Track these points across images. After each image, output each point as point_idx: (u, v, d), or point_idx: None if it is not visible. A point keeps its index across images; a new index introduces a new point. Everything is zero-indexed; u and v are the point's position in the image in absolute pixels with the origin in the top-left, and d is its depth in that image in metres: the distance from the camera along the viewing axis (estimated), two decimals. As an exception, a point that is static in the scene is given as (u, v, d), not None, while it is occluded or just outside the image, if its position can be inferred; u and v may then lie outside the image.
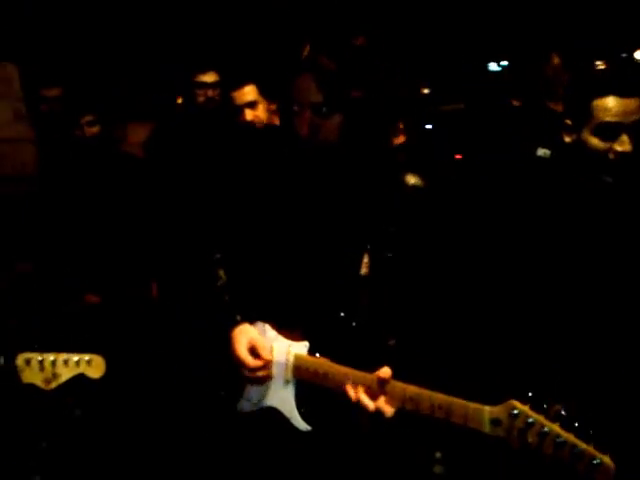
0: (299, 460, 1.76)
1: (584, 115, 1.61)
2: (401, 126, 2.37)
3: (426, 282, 1.65)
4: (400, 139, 2.45)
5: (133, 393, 2.90)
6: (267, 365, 1.72)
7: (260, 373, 1.73)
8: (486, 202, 2.11)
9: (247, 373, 1.74)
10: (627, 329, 1.55)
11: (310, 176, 1.66)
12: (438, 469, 2.41)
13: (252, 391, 1.81)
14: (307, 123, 1.54)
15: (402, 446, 1.70)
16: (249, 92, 2.94)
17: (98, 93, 3.51)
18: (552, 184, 1.79)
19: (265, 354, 1.71)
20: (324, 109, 1.54)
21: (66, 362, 1.69)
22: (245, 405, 1.82)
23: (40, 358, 1.68)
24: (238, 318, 1.78)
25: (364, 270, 1.65)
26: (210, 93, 3.37)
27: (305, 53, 1.51)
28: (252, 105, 2.93)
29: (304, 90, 1.54)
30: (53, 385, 1.68)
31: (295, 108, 1.56)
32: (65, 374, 1.69)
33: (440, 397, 1.42)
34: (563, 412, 1.26)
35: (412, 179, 1.97)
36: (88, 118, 3.28)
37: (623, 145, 1.59)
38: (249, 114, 2.90)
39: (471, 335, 1.64)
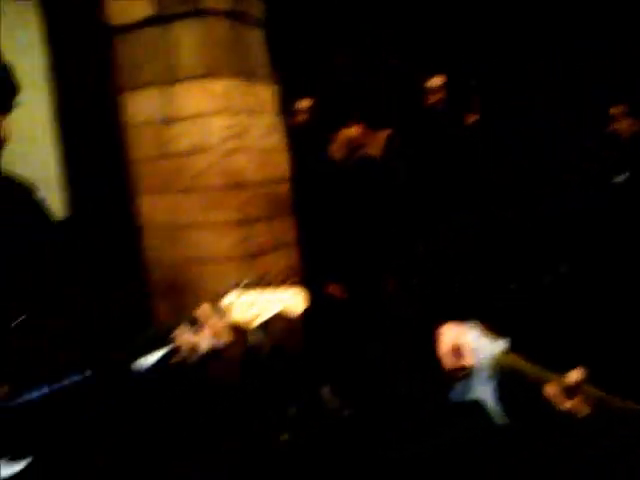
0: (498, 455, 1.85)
1: None
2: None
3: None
4: None
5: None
6: (469, 364, 1.82)
7: (461, 372, 1.84)
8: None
9: (448, 371, 1.86)
10: None
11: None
12: None
13: (456, 385, 1.92)
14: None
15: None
16: None
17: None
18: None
19: (467, 356, 1.81)
20: None
21: (268, 299, 1.64)
22: (450, 398, 1.95)
23: (243, 296, 1.63)
24: (442, 316, 1.90)
25: (563, 269, 1.67)
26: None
27: None
28: None
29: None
30: (256, 323, 1.63)
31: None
32: (268, 311, 1.64)
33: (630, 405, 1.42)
34: None
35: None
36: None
37: None
38: None
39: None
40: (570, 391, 1.54)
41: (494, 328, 1.81)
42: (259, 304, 1.62)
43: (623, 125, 3.36)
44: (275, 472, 2.66)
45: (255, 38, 3.63)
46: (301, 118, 4.12)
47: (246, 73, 3.56)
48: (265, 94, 3.72)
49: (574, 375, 1.53)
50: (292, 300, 1.66)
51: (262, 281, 1.64)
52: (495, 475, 1.89)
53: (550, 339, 1.70)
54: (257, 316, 1.62)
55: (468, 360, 1.80)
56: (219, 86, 3.42)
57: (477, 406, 1.83)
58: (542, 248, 1.68)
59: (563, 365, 1.56)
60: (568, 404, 1.54)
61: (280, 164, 3.83)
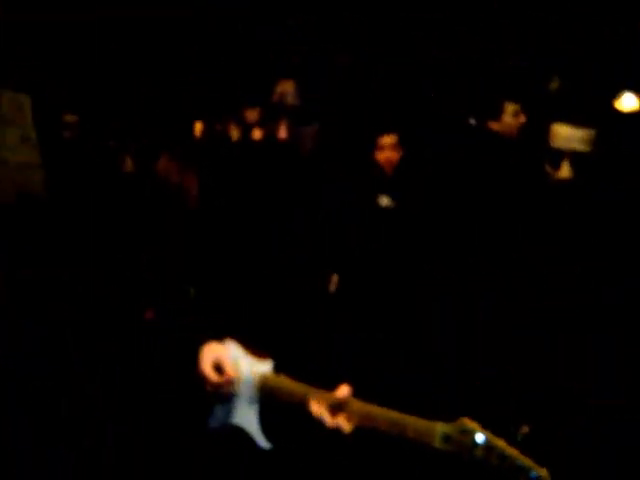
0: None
1: None
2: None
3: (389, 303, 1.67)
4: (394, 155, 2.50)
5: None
6: (231, 383, 1.73)
7: (223, 390, 1.74)
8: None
9: (211, 390, 1.75)
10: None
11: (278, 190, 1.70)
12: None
13: (219, 409, 1.81)
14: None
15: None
16: None
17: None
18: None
19: (229, 371, 1.72)
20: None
21: None
22: (213, 422, 1.83)
23: None
24: (207, 335, 1.80)
25: (332, 288, 1.67)
26: None
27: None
28: None
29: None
30: None
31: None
32: None
33: (395, 414, 1.44)
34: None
35: (385, 200, 1.99)
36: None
37: None
38: None
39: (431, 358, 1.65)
40: (335, 408, 1.51)
41: (257, 347, 1.74)
42: None
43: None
44: None
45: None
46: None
47: None
48: (18, 104, 3.40)
49: (339, 391, 1.51)
50: None
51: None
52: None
53: (314, 356, 1.67)
54: None
55: (229, 374, 1.71)
56: None
57: (239, 431, 1.74)
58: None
59: (331, 382, 1.53)
60: (332, 421, 1.51)
61: (33, 180, 3.49)
